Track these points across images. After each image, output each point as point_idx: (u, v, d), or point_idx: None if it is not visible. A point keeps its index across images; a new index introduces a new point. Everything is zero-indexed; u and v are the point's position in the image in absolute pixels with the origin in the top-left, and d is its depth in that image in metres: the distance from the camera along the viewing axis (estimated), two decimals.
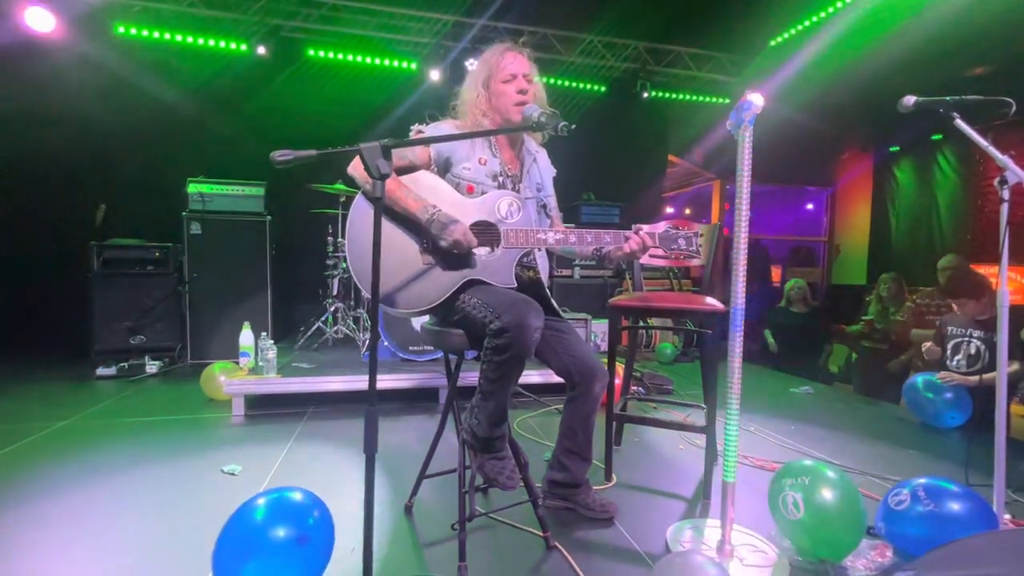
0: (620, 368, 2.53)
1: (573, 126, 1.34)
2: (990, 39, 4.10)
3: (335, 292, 4.23)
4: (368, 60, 5.10)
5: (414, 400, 3.12)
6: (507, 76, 1.68)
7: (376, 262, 1.05)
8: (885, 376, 3.95)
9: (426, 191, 1.62)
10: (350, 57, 5.06)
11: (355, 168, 1.60)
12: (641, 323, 3.71)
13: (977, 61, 4.47)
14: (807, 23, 5.01)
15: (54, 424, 2.66)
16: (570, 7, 4.91)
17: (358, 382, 3.05)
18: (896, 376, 3.76)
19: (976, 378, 2.81)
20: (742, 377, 1.48)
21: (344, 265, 4.06)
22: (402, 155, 1.64)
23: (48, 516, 1.76)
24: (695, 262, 1.67)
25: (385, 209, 1.56)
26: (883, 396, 3.72)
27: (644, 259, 1.84)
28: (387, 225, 1.59)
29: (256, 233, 4.13)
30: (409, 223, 1.60)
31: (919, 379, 2.98)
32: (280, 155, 0.97)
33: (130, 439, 2.51)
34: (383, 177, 1.03)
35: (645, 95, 5.67)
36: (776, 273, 7.60)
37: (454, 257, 1.60)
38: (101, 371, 3.66)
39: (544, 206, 1.82)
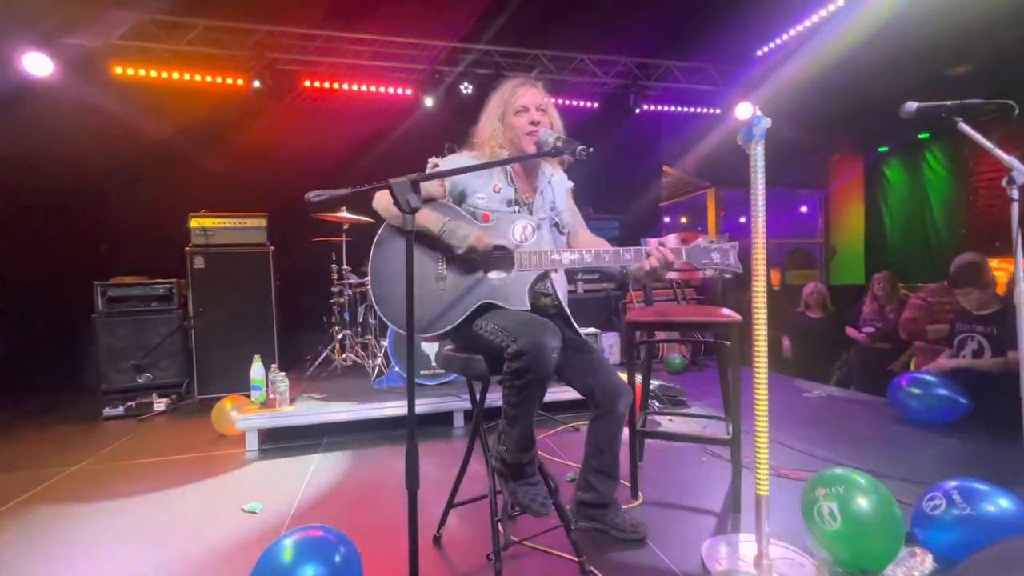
0: (637, 384, 2.52)
1: (591, 149, 1.35)
2: (970, 38, 4.19)
3: (352, 319, 4.22)
4: (364, 88, 5.17)
5: (427, 425, 3.09)
6: (519, 108, 1.69)
7: (410, 292, 1.06)
8: (888, 376, 3.93)
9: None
10: (346, 86, 5.12)
11: (378, 202, 1.63)
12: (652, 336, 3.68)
13: (958, 61, 4.56)
14: (791, 32, 5.13)
15: (67, 468, 2.62)
16: (561, 28, 5.00)
17: (372, 410, 3.02)
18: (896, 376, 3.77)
19: (991, 360, 2.85)
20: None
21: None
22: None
23: (70, 563, 1.73)
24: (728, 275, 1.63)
25: (402, 230, 1.58)
26: (884, 395, 3.71)
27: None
28: (404, 250, 1.60)
29: (260, 264, 4.11)
30: (426, 240, 1.62)
31: (906, 378, 3.04)
32: (315, 195, 0.97)
33: (146, 480, 2.46)
34: (414, 211, 1.04)
35: (637, 110, 5.76)
36: (775, 277, 7.62)
37: (468, 278, 1.60)
38: (108, 411, 3.61)
39: (556, 224, 1.81)
